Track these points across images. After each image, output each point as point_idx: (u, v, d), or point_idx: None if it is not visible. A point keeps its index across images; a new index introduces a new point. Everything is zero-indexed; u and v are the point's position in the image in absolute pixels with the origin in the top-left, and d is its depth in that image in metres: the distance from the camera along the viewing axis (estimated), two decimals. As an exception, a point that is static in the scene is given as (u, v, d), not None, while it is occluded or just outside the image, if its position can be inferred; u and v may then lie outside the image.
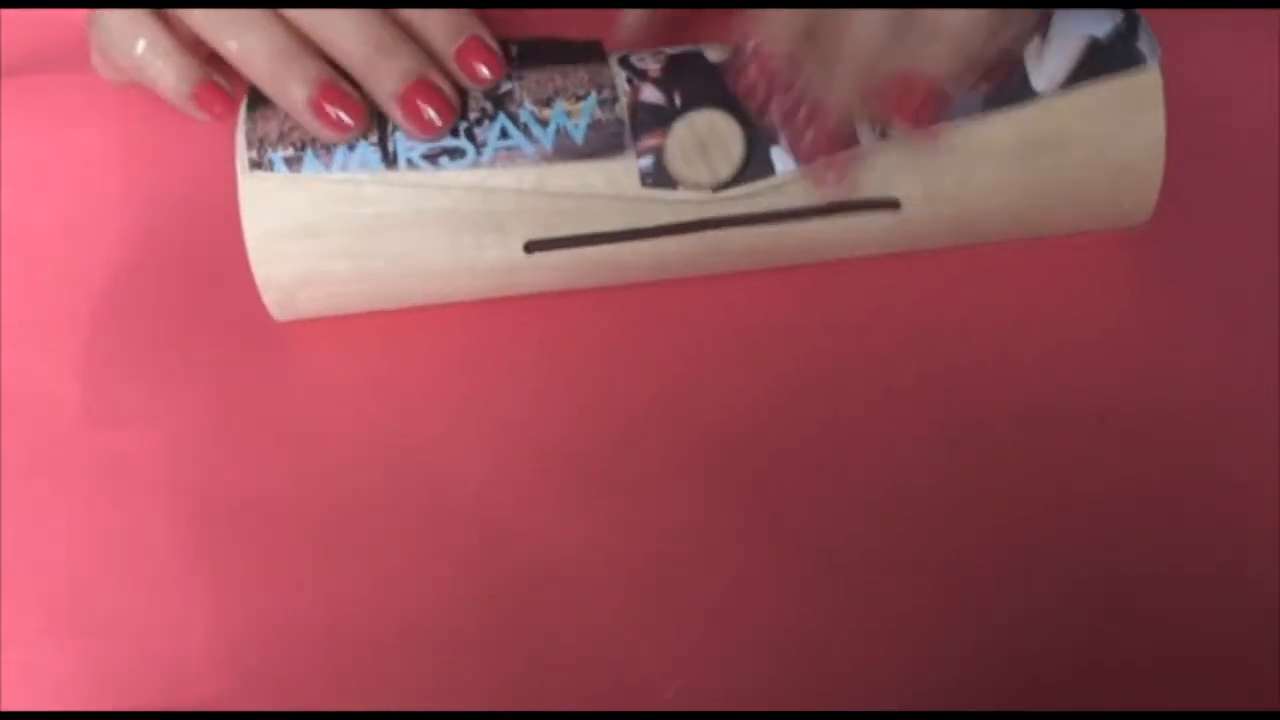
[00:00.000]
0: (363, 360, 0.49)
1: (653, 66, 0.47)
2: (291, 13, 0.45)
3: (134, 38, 0.47)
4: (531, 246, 0.46)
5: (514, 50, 0.47)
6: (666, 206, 0.46)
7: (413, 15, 0.45)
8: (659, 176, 0.45)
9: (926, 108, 0.43)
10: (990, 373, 0.48)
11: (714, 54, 0.47)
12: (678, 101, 0.46)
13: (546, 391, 0.48)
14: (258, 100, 0.46)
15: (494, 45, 0.46)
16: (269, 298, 0.47)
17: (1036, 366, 0.48)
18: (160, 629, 0.44)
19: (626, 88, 0.46)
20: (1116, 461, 0.46)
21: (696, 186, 0.45)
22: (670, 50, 0.47)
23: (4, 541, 0.46)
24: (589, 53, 0.47)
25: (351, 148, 0.46)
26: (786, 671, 0.43)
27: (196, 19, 0.45)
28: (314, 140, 0.45)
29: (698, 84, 0.46)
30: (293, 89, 0.44)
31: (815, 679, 0.42)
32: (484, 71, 0.45)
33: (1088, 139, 0.46)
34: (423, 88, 0.44)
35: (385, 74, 0.44)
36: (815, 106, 0.43)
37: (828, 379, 0.44)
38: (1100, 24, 0.46)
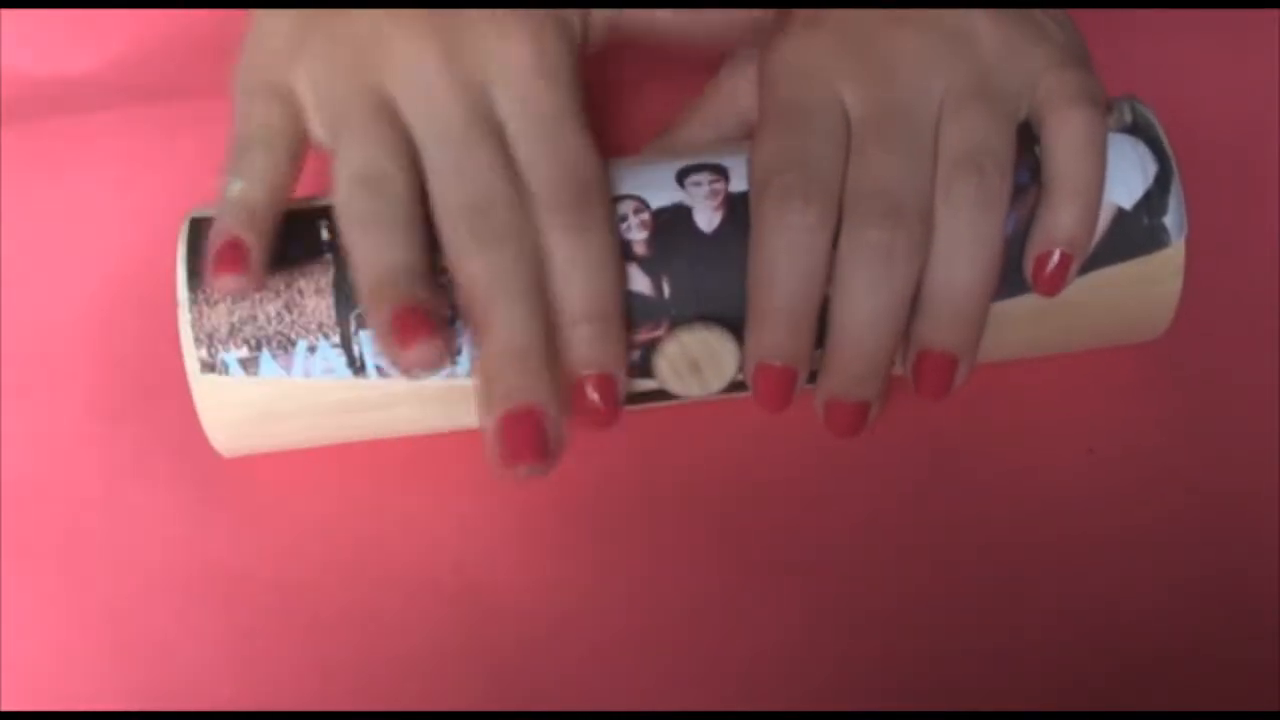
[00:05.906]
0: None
1: (638, 236, 0.42)
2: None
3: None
4: (508, 411, 0.44)
5: None
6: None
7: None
8: (646, 370, 0.43)
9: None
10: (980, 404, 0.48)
11: (701, 214, 0.43)
12: (666, 291, 0.42)
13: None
14: (197, 270, 0.42)
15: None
16: (226, 456, 0.45)
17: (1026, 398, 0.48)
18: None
19: None
20: (1105, 489, 0.47)
21: (685, 394, 0.43)
22: (656, 202, 0.43)
23: (3, 543, 0.47)
24: None
25: (312, 349, 0.42)
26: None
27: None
28: (269, 339, 0.42)
29: (687, 263, 0.42)
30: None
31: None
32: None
33: (1100, 304, 0.44)
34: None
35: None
36: None
37: (810, 416, 0.44)
38: (1130, 187, 0.43)
